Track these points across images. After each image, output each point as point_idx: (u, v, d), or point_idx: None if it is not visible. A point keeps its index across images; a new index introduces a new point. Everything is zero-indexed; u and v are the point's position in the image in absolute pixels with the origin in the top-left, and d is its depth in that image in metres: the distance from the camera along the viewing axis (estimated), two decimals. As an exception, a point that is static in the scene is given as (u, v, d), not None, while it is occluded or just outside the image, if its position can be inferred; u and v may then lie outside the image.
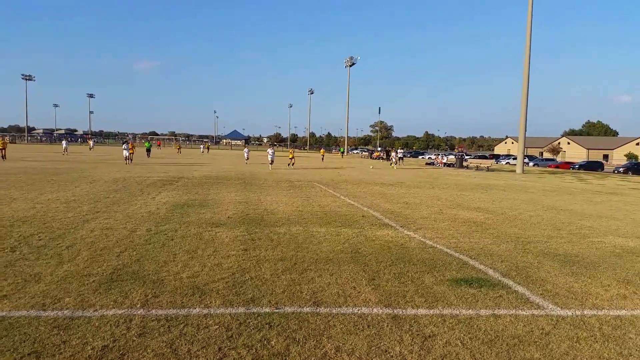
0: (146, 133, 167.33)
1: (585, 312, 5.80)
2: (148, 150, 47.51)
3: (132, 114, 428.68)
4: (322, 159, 58.67)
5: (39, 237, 8.70)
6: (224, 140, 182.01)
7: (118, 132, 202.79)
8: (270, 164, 35.13)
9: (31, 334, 4.52)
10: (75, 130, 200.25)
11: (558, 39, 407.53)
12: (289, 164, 38.37)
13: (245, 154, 42.99)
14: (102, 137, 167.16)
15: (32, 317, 4.91)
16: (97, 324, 4.81)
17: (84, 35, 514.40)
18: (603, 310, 5.94)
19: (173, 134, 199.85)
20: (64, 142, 54.52)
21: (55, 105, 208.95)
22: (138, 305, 5.36)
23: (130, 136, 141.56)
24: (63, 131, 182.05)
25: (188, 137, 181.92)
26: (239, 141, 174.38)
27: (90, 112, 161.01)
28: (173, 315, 5.12)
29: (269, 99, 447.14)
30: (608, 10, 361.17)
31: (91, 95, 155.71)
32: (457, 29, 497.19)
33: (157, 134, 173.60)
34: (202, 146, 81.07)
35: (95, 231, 9.40)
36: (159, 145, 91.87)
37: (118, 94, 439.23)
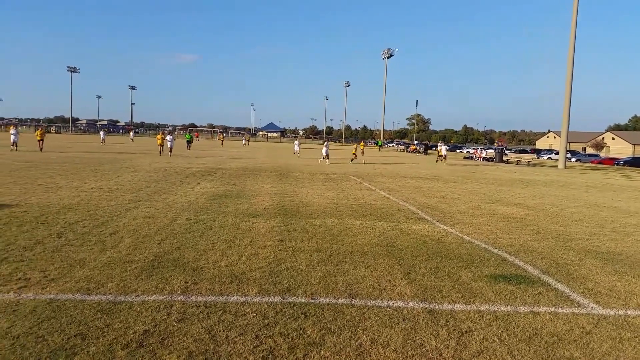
0: (185, 125, 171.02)
1: (629, 312, 5.62)
2: (189, 142, 47.83)
3: (172, 106, 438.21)
4: (362, 152, 49.52)
5: (84, 224, 9.01)
6: (260, 133, 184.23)
7: (158, 124, 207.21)
8: (326, 158, 33.41)
9: (77, 317, 4.70)
10: (118, 122, 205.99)
11: (606, 34, 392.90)
12: (354, 158, 36.53)
13: (296, 147, 42.28)
14: (143, 128, 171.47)
15: (77, 301, 5.11)
16: (138, 309, 4.97)
17: (126, 29, 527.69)
18: (648, 311, 5.74)
19: (211, 126, 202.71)
20: (102, 133, 56.27)
21: (98, 97, 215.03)
22: (178, 292, 5.51)
23: (170, 128, 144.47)
24: (105, 122, 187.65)
25: (225, 129, 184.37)
26: (274, 133, 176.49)
27: (132, 104, 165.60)
28: (212, 302, 5.23)
29: (305, 92, 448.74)
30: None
31: (133, 87, 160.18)
32: (500, 21, 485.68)
33: (196, 126, 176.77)
34: (243, 138, 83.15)
35: (137, 219, 9.67)
36: (197, 137, 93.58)
37: (159, 86, 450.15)
